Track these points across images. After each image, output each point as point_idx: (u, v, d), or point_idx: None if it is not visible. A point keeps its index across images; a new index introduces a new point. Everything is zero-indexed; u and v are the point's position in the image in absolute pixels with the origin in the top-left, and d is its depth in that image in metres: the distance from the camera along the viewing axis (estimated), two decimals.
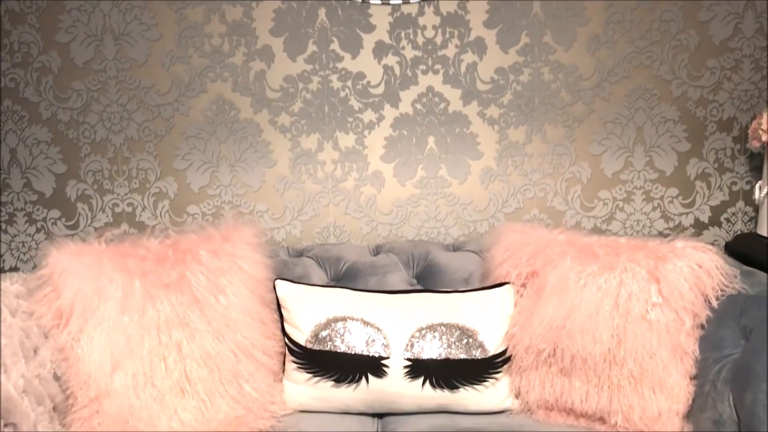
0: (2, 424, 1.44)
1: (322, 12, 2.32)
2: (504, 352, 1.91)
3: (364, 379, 1.87)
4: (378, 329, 1.88)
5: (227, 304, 1.89)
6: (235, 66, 2.35)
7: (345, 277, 2.21)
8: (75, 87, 2.36)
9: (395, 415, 1.93)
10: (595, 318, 1.79)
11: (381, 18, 2.33)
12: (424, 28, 2.33)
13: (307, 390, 1.93)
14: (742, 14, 2.30)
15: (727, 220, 2.45)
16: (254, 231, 2.05)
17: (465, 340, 1.88)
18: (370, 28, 2.34)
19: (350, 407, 1.93)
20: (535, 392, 1.89)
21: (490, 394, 1.90)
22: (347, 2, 2.32)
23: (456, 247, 2.31)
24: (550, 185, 2.43)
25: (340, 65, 2.36)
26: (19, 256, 2.48)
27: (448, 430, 1.82)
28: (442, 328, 1.89)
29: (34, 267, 1.87)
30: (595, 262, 1.87)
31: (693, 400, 1.75)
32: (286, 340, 1.96)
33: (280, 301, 1.99)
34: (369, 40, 2.34)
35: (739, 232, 2.44)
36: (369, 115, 2.39)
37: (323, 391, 1.91)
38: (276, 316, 2.01)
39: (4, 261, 2.49)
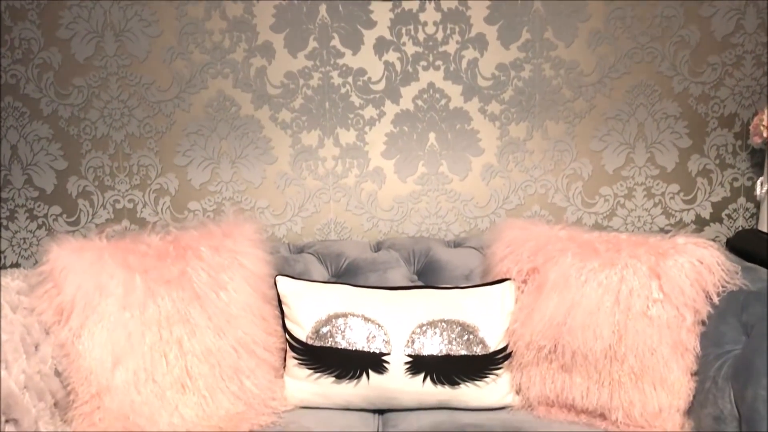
0: (3, 420, 1.45)
1: (322, 8, 2.32)
2: (505, 348, 1.91)
3: (364, 375, 1.87)
4: (379, 325, 1.88)
5: (228, 300, 1.89)
6: (236, 62, 2.35)
7: (346, 274, 2.21)
8: (76, 83, 2.36)
9: (396, 411, 1.93)
10: (595, 314, 1.79)
11: (382, 14, 2.33)
12: (425, 24, 2.33)
13: (308, 386, 1.93)
14: (743, 10, 2.30)
15: (729, 216, 2.45)
16: (255, 227, 2.05)
17: (466, 337, 1.88)
18: (371, 24, 2.33)
19: (351, 403, 1.93)
20: (535, 388, 1.89)
21: (490, 391, 1.90)
22: None
23: (457, 244, 2.31)
24: (551, 181, 2.43)
25: (340, 61, 2.35)
26: (20, 253, 2.49)
27: (448, 426, 1.82)
28: (443, 324, 1.89)
29: (35, 263, 1.87)
30: (596, 258, 1.87)
31: (694, 396, 1.75)
32: (287, 336, 1.96)
33: (281, 298, 1.99)
34: (370, 36, 2.34)
35: (740, 229, 2.44)
36: (370, 112, 2.39)
37: (324, 387, 1.91)
38: (277, 313, 2.01)
39: (5, 257, 2.49)
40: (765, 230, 2.20)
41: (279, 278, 2.01)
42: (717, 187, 2.43)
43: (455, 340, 1.87)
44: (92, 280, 1.78)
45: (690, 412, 1.76)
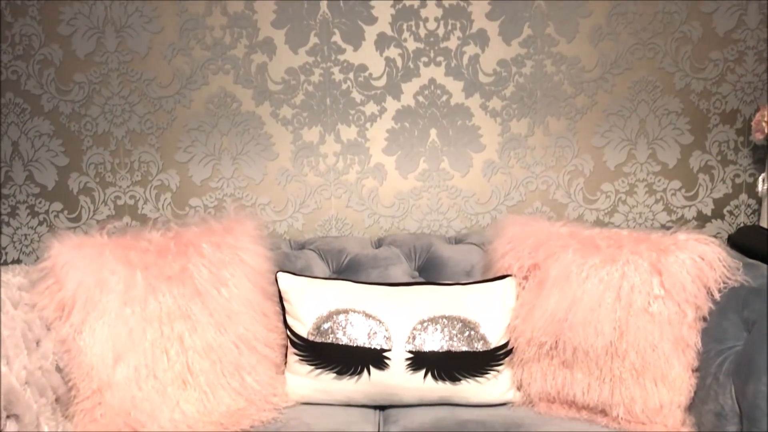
0: (5, 415, 1.45)
1: (323, 4, 2.32)
2: (506, 344, 1.91)
3: (365, 371, 1.87)
4: (380, 321, 1.88)
5: (229, 296, 1.89)
6: (237, 58, 2.35)
7: (347, 270, 2.21)
8: (77, 79, 2.36)
9: (397, 408, 1.93)
10: (597, 310, 1.79)
11: (383, 10, 2.32)
12: (426, 20, 2.33)
13: (309, 382, 1.93)
14: (745, 6, 2.29)
15: (730, 212, 2.45)
16: (256, 223, 2.05)
17: (467, 333, 1.88)
18: (372, 20, 2.33)
19: (352, 399, 1.93)
20: (536, 385, 1.89)
21: (491, 387, 1.90)
22: None
23: (458, 240, 2.31)
24: (553, 178, 2.43)
25: (341, 57, 2.35)
26: (21, 249, 2.49)
27: (449, 422, 1.82)
28: (444, 320, 1.89)
29: (37, 259, 1.87)
30: (598, 254, 1.86)
31: (695, 392, 1.75)
32: (288, 333, 1.96)
33: (282, 294, 1.99)
34: (371, 32, 2.34)
35: (741, 225, 2.44)
36: (371, 108, 2.39)
37: (325, 384, 1.91)
38: (278, 309, 2.01)
39: (6, 253, 2.49)
40: (766, 226, 2.19)
41: (280, 274, 2.01)
42: (719, 183, 2.42)
43: (456, 336, 1.87)
44: (93, 277, 1.78)
45: (691, 408, 1.76)
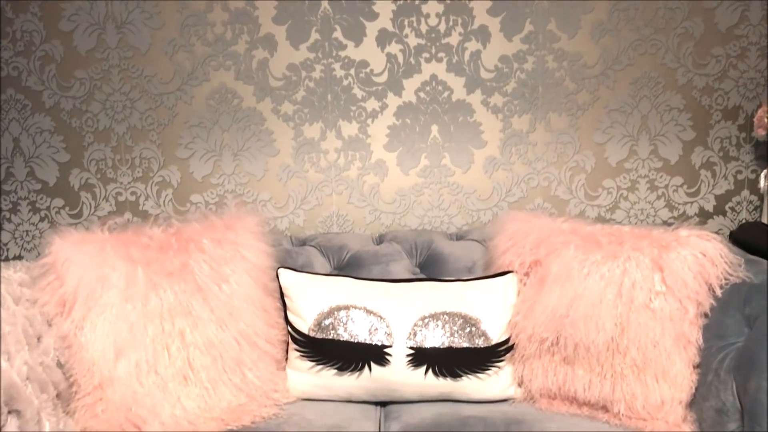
0: (6, 411, 1.45)
1: (324, 0, 2.31)
2: (507, 340, 1.91)
3: (366, 367, 1.87)
4: (381, 318, 1.88)
5: (230, 292, 1.89)
6: (238, 54, 2.35)
7: (348, 266, 2.21)
8: (78, 76, 2.36)
9: (398, 404, 1.93)
10: (598, 307, 1.79)
11: (384, 6, 2.32)
12: (428, 16, 2.32)
13: (310, 378, 1.93)
14: (748, 2, 2.28)
15: (732, 209, 2.44)
16: (257, 220, 2.05)
17: (468, 329, 1.88)
18: (373, 16, 2.32)
19: (353, 395, 1.93)
20: (537, 381, 1.89)
21: (492, 383, 1.90)
22: None
23: (459, 236, 2.31)
24: (554, 174, 2.43)
25: (343, 53, 2.35)
26: (22, 245, 2.49)
27: (450, 418, 1.82)
28: (445, 316, 1.88)
29: (38, 255, 1.87)
30: (599, 250, 1.86)
31: (696, 388, 1.75)
32: (289, 329, 1.96)
33: (283, 290, 1.99)
34: (372, 28, 2.33)
35: (743, 221, 2.43)
36: (372, 104, 2.38)
37: (326, 380, 1.91)
38: (279, 305, 2.01)
39: (8, 249, 2.50)
40: None
41: (281, 270, 2.01)
42: (720, 179, 2.42)
43: (457, 332, 1.87)
44: (94, 272, 1.78)
45: (692, 404, 1.76)
